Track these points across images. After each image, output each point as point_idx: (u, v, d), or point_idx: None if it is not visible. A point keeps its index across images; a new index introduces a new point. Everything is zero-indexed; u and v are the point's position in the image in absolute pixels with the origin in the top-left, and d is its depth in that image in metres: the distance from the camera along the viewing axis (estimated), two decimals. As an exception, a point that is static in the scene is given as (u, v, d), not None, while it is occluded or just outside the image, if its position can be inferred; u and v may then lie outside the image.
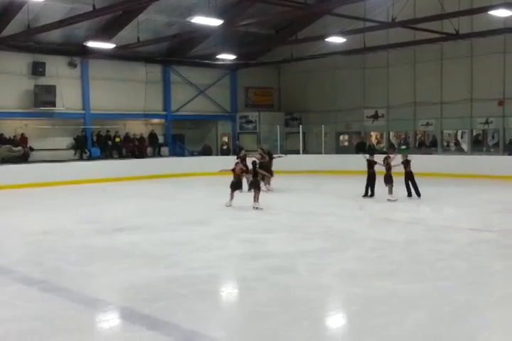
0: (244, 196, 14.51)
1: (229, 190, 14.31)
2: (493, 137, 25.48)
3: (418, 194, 15.25)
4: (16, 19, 20.35)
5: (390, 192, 14.89)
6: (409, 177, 15.35)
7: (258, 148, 19.27)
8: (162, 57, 26.47)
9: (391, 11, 21.41)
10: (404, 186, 15.32)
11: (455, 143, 26.56)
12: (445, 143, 26.54)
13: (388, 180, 14.94)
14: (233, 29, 22.79)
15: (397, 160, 15.34)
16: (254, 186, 13.99)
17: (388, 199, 14.78)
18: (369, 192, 15.66)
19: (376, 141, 28.72)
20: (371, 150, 23.02)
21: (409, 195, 15.31)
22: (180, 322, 5.73)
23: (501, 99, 23.63)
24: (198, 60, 26.13)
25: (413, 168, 15.39)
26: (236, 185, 14.50)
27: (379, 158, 15.72)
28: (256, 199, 13.75)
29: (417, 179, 15.42)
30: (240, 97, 30.71)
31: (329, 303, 6.53)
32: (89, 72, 24.90)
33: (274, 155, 19.10)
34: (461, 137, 26.73)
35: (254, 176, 14.21)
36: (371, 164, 15.68)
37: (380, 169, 15.43)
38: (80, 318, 5.94)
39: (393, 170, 15.01)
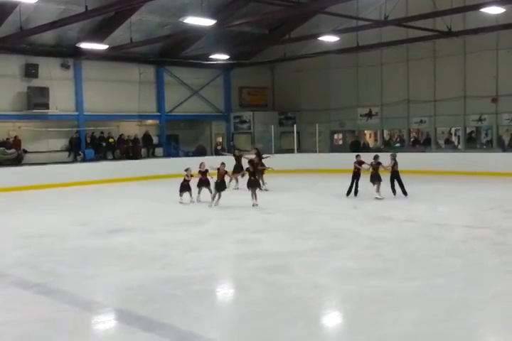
0: (239, 195, 14.53)
1: (213, 191, 14.48)
2: (486, 134, 25.57)
3: (405, 193, 15.28)
4: (8, 21, 20.27)
5: (377, 190, 15.02)
6: (395, 176, 15.37)
7: (253, 149, 19.29)
8: (155, 57, 26.42)
9: (383, 10, 21.40)
10: (390, 185, 15.36)
11: (445, 141, 26.60)
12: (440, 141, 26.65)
13: (376, 178, 15.08)
14: (226, 29, 22.75)
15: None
16: (253, 184, 14.59)
17: (376, 198, 14.87)
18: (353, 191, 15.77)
19: (374, 140, 28.71)
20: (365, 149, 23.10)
21: (394, 193, 15.34)
22: (176, 323, 5.73)
23: (494, 96, 23.70)
24: (192, 60, 26.09)
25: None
26: (220, 186, 14.47)
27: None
28: (254, 196, 14.23)
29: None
30: (234, 97, 30.68)
31: (325, 302, 6.54)
32: (82, 73, 24.82)
33: (264, 155, 18.93)
34: (455, 134, 26.79)
35: (253, 175, 14.85)
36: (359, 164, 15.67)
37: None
38: (76, 320, 5.93)
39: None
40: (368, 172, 15.39)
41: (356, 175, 15.68)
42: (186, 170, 15.26)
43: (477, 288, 6.73)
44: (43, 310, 6.31)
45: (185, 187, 15.17)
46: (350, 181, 15.64)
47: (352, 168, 15.72)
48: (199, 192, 15.23)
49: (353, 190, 15.65)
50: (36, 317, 6.02)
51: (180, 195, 15.10)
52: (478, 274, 7.38)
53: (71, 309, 6.32)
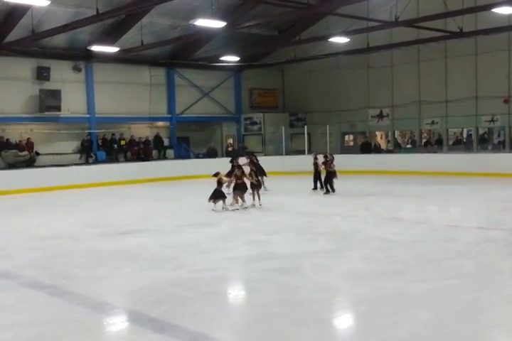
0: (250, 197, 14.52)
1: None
2: (498, 135, 25.40)
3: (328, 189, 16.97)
4: (20, 24, 20.43)
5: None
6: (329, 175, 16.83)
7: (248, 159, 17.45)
8: (166, 60, 26.50)
9: (394, 10, 21.34)
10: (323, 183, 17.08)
11: (453, 143, 26.42)
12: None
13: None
14: (236, 31, 22.81)
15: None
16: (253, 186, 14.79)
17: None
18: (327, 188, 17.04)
19: (386, 141, 28.61)
20: (376, 150, 22.97)
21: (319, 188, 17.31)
22: (187, 324, 5.73)
23: (506, 97, 23.54)
24: (202, 62, 26.16)
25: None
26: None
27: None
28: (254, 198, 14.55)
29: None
30: (245, 99, 30.72)
31: (336, 304, 6.51)
32: (93, 76, 24.97)
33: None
34: (467, 135, 26.64)
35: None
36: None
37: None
38: (88, 322, 5.95)
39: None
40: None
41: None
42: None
43: (490, 289, 6.68)
44: (55, 311, 6.34)
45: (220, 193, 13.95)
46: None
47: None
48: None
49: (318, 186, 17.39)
50: (48, 319, 6.05)
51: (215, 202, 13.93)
52: (490, 276, 7.32)
53: (83, 310, 6.34)
